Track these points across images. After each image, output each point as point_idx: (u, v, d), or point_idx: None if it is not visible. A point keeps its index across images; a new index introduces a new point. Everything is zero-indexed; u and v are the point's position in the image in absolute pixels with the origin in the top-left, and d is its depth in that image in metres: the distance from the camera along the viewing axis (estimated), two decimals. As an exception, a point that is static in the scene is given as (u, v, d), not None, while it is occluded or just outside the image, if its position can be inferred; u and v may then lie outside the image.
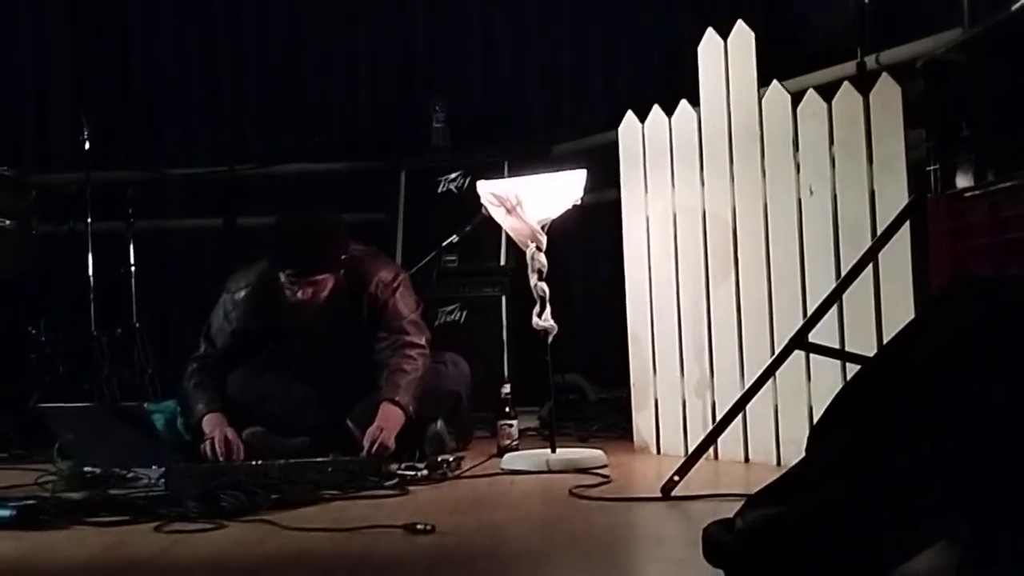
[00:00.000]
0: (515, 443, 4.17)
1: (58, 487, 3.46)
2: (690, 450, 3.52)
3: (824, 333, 3.41)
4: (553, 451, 3.92)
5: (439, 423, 4.05)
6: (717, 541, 2.00)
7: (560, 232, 4.14)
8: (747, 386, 3.46)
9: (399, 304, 4.13)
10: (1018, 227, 2.51)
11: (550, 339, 3.98)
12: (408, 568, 2.49)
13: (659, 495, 3.18)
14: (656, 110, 4.27)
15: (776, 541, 1.89)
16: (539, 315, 3.96)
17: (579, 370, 6.02)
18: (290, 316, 4.07)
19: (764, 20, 5.22)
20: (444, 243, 4.62)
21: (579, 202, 4.01)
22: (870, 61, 3.97)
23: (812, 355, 3.57)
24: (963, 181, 2.74)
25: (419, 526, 2.74)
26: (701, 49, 4.08)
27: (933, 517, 1.86)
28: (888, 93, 3.50)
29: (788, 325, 3.59)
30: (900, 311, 3.39)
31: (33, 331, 5.52)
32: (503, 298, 5.64)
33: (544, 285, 3.95)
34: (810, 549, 1.87)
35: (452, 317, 5.68)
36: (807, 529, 1.87)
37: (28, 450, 4.53)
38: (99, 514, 3.07)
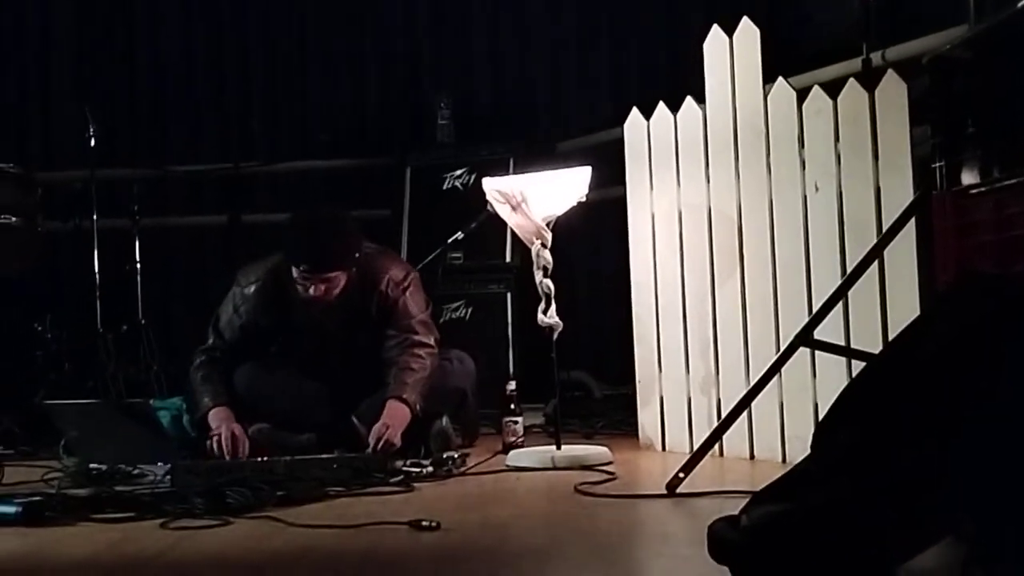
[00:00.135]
0: (520, 440, 4.18)
1: (64, 484, 3.47)
2: (695, 447, 3.51)
3: (829, 330, 3.41)
4: (558, 448, 3.92)
5: (444, 420, 4.05)
6: (722, 538, 2.00)
7: (565, 229, 4.14)
8: (752, 383, 3.46)
9: (409, 303, 4.13)
10: (1023, 224, 2.51)
11: (555, 336, 3.98)
12: (413, 565, 2.50)
13: (664, 492, 3.18)
14: (661, 107, 4.27)
15: (781, 538, 1.89)
16: (544, 312, 3.96)
17: (584, 367, 6.02)
18: (300, 312, 4.07)
19: (769, 17, 5.22)
20: (449, 240, 4.62)
21: (584, 199, 4.00)
22: (876, 58, 3.97)
23: (817, 352, 3.57)
24: (969, 178, 2.74)
25: (424, 523, 2.74)
26: (706, 46, 4.08)
27: (939, 514, 1.85)
28: (893, 90, 3.50)
29: (793, 322, 3.58)
30: (905, 308, 3.38)
31: (39, 328, 5.54)
32: (508, 295, 5.64)
33: (549, 282, 3.95)
34: (815, 546, 1.87)
35: (457, 314, 5.68)
36: (812, 526, 1.87)
37: (34, 447, 4.53)
38: (105, 511, 3.08)
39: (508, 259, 5.62)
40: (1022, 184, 2.52)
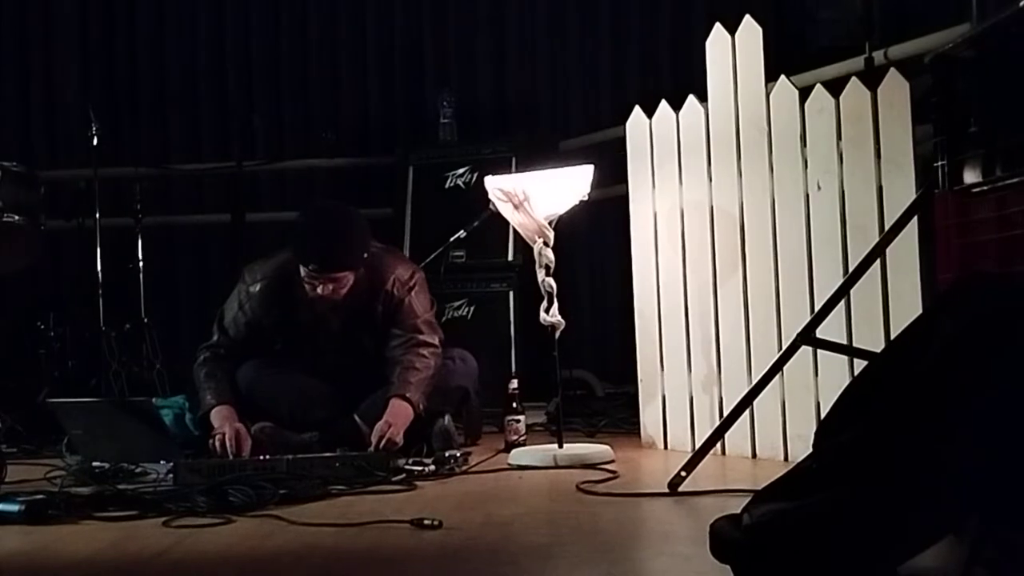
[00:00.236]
0: (522, 438, 4.18)
1: (67, 482, 3.46)
2: (697, 445, 3.52)
3: (831, 329, 3.41)
4: (560, 446, 3.92)
5: (446, 418, 4.05)
6: (724, 536, 2.00)
7: (568, 228, 4.14)
8: (754, 382, 3.46)
9: (414, 303, 4.13)
10: (1025, 223, 2.51)
11: (557, 335, 3.98)
12: (415, 563, 2.50)
13: (666, 490, 3.18)
14: (664, 105, 4.27)
15: (783, 536, 1.89)
16: (546, 311, 3.96)
17: (586, 365, 6.03)
18: (307, 311, 4.06)
19: (772, 15, 5.23)
20: (452, 238, 4.62)
21: (586, 198, 4.00)
22: (878, 56, 3.97)
23: (819, 351, 3.57)
24: (971, 177, 2.74)
25: (426, 521, 2.75)
26: (709, 44, 4.08)
27: (941, 513, 1.86)
28: (896, 89, 3.50)
29: (795, 321, 3.58)
30: (907, 307, 3.39)
31: (42, 326, 5.55)
32: (511, 293, 5.64)
33: (551, 281, 3.95)
34: (817, 545, 1.87)
35: (460, 312, 5.69)
36: (814, 525, 1.87)
37: (37, 445, 4.54)
38: (108, 509, 3.08)
39: (510, 258, 5.63)
40: (1024, 183, 2.52)
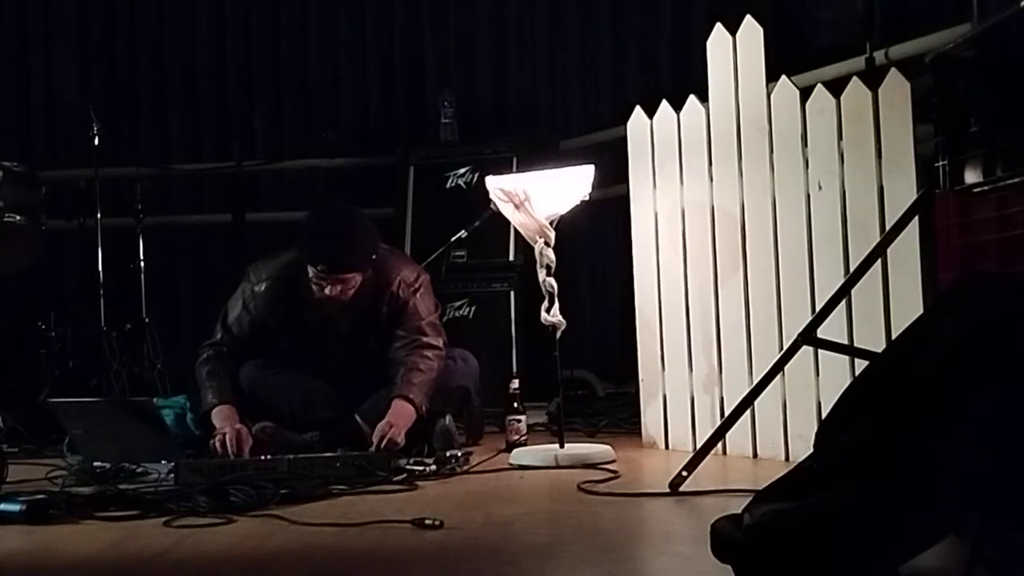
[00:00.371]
0: (524, 438, 4.18)
1: (68, 482, 3.46)
2: (698, 445, 3.52)
3: (832, 329, 3.40)
4: (561, 446, 3.92)
5: (447, 418, 4.05)
6: (725, 536, 2.00)
7: (569, 228, 4.14)
8: (755, 382, 3.46)
9: (419, 305, 4.13)
10: (1027, 223, 2.51)
11: (559, 334, 3.98)
12: (416, 563, 2.50)
13: (667, 490, 3.19)
14: (664, 105, 4.27)
15: (784, 536, 1.89)
16: (547, 310, 3.96)
17: (587, 365, 6.03)
18: (313, 311, 4.06)
19: (772, 16, 5.23)
20: (453, 238, 4.62)
21: (587, 198, 4.00)
22: (879, 56, 3.97)
23: (820, 351, 3.57)
24: (972, 177, 2.74)
25: (428, 521, 2.75)
26: (710, 44, 4.08)
27: (942, 513, 1.86)
28: (897, 88, 3.50)
29: (796, 320, 3.58)
30: (908, 307, 3.38)
31: (43, 326, 5.55)
32: (512, 293, 5.65)
33: (552, 281, 3.95)
34: (818, 545, 1.87)
35: (461, 312, 5.69)
36: (815, 525, 1.87)
37: (38, 445, 4.54)
38: (109, 509, 3.08)
39: (511, 258, 5.63)
40: (1025, 183, 2.52)
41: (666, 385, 4.27)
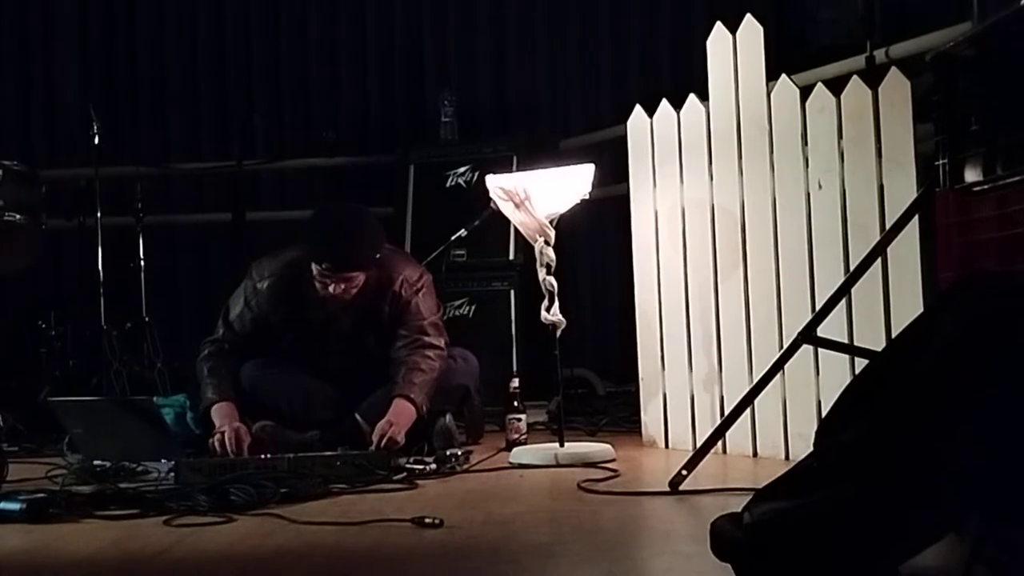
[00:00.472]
0: (524, 437, 4.18)
1: (68, 480, 3.47)
2: (698, 444, 3.52)
3: (832, 327, 3.40)
4: (561, 445, 3.93)
5: (447, 417, 4.05)
6: (725, 535, 2.00)
7: (569, 226, 4.14)
8: (755, 380, 3.46)
9: (421, 305, 4.13)
10: (1027, 221, 2.51)
11: (558, 333, 3.98)
12: (416, 562, 2.50)
13: (667, 489, 3.19)
14: (664, 104, 4.27)
15: (784, 535, 1.89)
16: (547, 309, 3.96)
17: (587, 364, 6.03)
18: (316, 309, 4.06)
19: (773, 15, 5.23)
20: (453, 237, 4.62)
21: (587, 196, 4.00)
22: (879, 55, 3.97)
23: (820, 349, 3.57)
24: (972, 175, 2.74)
25: (428, 520, 2.75)
26: (710, 43, 4.08)
27: (942, 512, 1.86)
28: (897, 87, 3.50)
29: (796, 319, 3.58)
30: (908, 305, 3.38)
31: (43, 325, 5.55)
32: (512, 292, 5.65)
33: (552, 279, 3.95)
34: (818, 543, 1.87)
35: (461, 311, 5.69)
36: (815, 524, 1.87)
37: (38, 444, 4.54)
38: (109, 507, 3.08)
39: (511, 257, 5.63)
40: (1025, 182, 2.52)
41: (666, 384, 4.27)
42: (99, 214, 5.51)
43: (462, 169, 5.89)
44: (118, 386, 5.42)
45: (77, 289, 5.99)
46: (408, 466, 3.63)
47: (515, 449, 4.01)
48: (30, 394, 5.19)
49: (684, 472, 3.22)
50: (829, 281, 3.55)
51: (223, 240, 6.50)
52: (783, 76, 3.85)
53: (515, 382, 4.29)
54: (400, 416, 3.87)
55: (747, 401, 3.42)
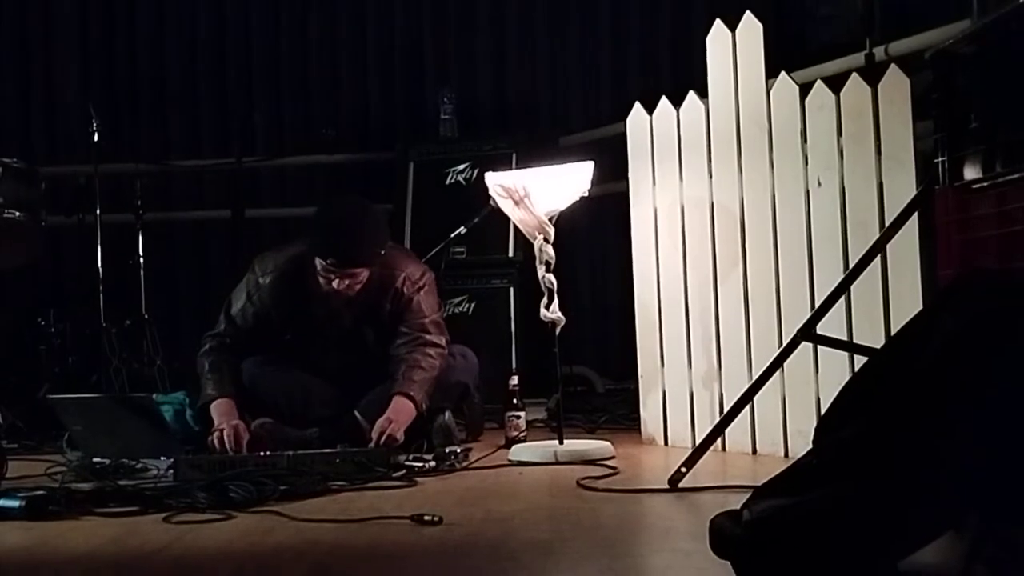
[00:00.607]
0: (523, 434, 4.18)
1: (67, 478, 3.47)
2: (697, 442, 3.52)
3: (832, 325, 3.41)
4: (561, 442, 3.92)
5: (447, 414, 4.05)
6: (724, 532, 2.00)
7: (568, 224, 4.15)
8: (755, 378, 3.46)
9: (423, 303, 4.13)
10: (1026, 219, 2.51)
11: (558, 331, 3.98)
12: (416, 559, 2.50)
13: (666, 486, 3.18)
14: (664, 102, 4.27)
15: (783, 532, 1.89)
16: (547, 307, 3.96)
17: (587, 362, 6.03)
18: (322, 305, 4.06)
19: (772, 13, 5.22)
20: (452, 235, 4.62)
21: (587, 194, 4.00)
22: (879, 53, 3.97)
23: (820, 347, 3.57)
24: (971, 173, 2.74)
25: (427, 517, 2.75)
26: (709, 40, 4.07)
27: (941, 510, 1.86)
28: (896, 85, 3.50)
29: (796, 317, 3.58)
30: (908, 303, 3.39)
31: (43, 322, 5.56)
32: (511, 290, 5.65)
33: (552, 277, 3.95)
34: (817, 540, 1.87)
35: (460, 309, 5.69)
36: (814, 521, 1.87)
37: (38, 441, 4.54)
38: (108, 505, 3.08)
39: (511, 254, 5.63)
40: (1025, 179, 2.52)
41: (665, 381, 4.27)
42: (99, 211, 5.51)
43: (462, 166, 5.89)
44: (117, 383, 5.42)
45: (77, 286, 6.00)
46: (407, 463, 3.62)
47: (514, 446, 4.01)
48: (29, 391, 5.19)
49: (683, 469, 3.21)
50: (828, 278, 3.55)
51: (223, 237, 6.50)
52: (782, 73, 3.85)
53: (514, 379, 4.29)
54: (399, 413, 3.87)
55: (746, 398, 3.42)
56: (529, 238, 4.03)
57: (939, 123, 2.85)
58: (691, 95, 4.16)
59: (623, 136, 4.44)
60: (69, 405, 3.95)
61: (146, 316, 5.67)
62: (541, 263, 3.95)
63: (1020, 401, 1.81)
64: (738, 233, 3.98)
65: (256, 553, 2.57)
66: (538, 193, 3.94)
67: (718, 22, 4.05)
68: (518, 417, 4.20)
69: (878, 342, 3.33)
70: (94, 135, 5.47)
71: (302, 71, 6.83)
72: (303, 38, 6.84)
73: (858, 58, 4.00)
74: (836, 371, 3.57)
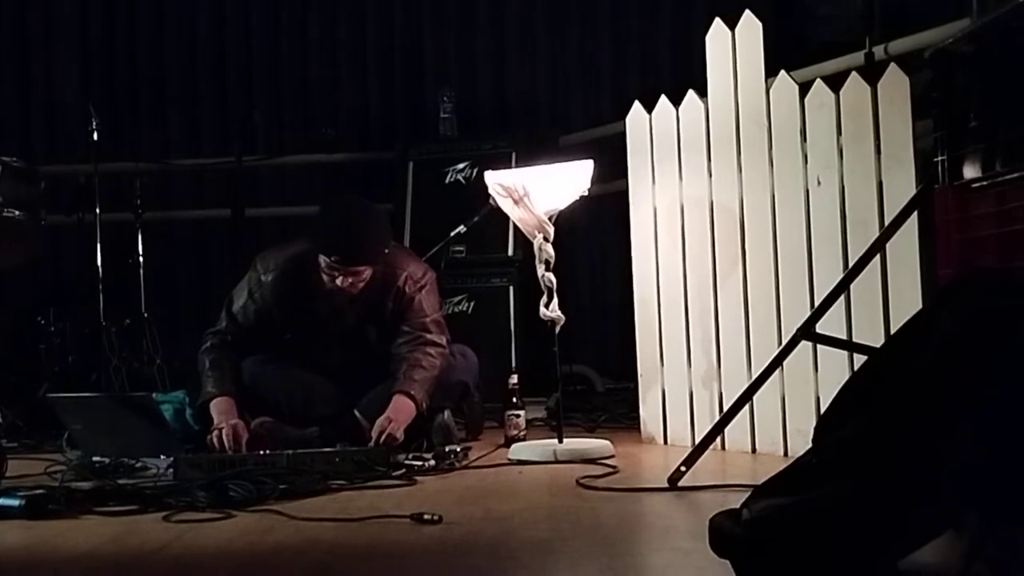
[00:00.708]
0: (523, 433, 4.18)
1: (67, 477, 3.47)
2: (697, 440, 3.52)
3: (831, 324, 3.41)
4: (560, 441, 3.92)
5: (446, 413, 4.05)
6: (724, 531, 2.00)
7: (568, 223, 4.15)
8: (754, 377, 3.46)
9: (424, 302, 4.13)
10: (1026, 218, 2.51)
11: (557, 330, 3.98)
12: (415, 558, 2.50)
13: (666, 485, 3.18)
14: (663, 101, 4.27)
15: (783, 531, 1.89)
16: (546, 306, 3.96)
17: (587, 361, 6.03)
18: (322, 302, 4.05)
19: (772, 13, 5.23)
20: (452, 234, 4.62)
21: (587, 193, 4.00)
22: (879, 51, 3.97)
23: (819, 346, 3.57)
24: (971, 172, 2.74)
25: (426, 516, 2.75)
26: (709, 39, 4.07)
27: (941, 509, 1.86)
28: (896, 84, 3.50)
29: (795, 316, 3.58)
30: (907, 302, 3.38)
31: (42, 321, 5.56)
32: (511, 289, 5.66)
33: (551, 276, 3.95)
34: (817, 539, 1.87)
35: (460, 308, 5.69)
36: (814, 520, 1.87)
37: (37, 440, 4.55)
38: (108, 504, 3.08)
39: (510, 253, 5.63)
40: (1024, 178, 2.52)
41: (665, 380, 4.27)
42: (98, 210, 5.51)
43: (461, 165, 5.89)
44: (117, 382, 5.42)
45: (76, 285, 6.00)
46: (407, 462, 3.62)
47: (514, 445, 4.01)
48: (29, 390, 5.19)
49: (683, 468, 3.22)
50: (828, 277, 3.55)
51: (223, 236, 6.50)
52: (782, 72, 3.85)
53: (514, 378, 4.29)
54: (399, 412, 3.87)
55: (746, 397, 3.42)
56: (529, 237, 4.03)
57: (939, 122, 2.85)
58: (690, 94, 4.16)
59: (623, 135, 4.44)
60: (69, 404, 3.95)
61: (146, 315, 5.67)
62: (541, 262, 3.95)
63: (1020, 400, 1.81)
64: (738, 232, 3.98)
65: (256, 552, 2.57)
66: (538, 192, 3.94)
67: (718, 21, 4.05)
68: (518, 416, 4.20)
69: (878, 341, 3.33)
70: (94, 134, 5.47)
71: (302, 71, 6.83)
72: (303, 38, 6.85)
73: (858, 57, 4.00)
74: (836, 370, 3.57)
